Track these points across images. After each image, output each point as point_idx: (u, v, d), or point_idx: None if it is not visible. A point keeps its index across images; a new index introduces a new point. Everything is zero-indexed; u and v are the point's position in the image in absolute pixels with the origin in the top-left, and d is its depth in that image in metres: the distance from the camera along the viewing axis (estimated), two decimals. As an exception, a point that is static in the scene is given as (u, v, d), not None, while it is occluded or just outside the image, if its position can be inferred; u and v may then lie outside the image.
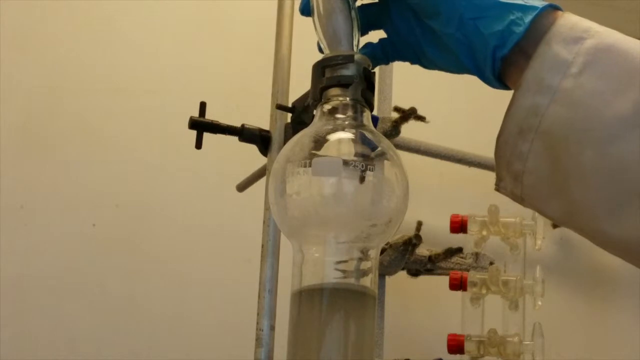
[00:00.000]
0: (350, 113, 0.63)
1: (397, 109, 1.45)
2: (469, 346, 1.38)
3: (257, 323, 1.14)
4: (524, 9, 0.60)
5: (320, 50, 0.67)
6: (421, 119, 1.44)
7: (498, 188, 0.62)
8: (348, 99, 0.63)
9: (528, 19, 0.60)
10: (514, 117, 0.59)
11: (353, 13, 0.65)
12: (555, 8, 0.61)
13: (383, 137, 0.63)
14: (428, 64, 0.68)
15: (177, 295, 1.59)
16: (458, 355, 1.40)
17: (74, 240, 1.55)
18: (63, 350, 1.49)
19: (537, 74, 0.58)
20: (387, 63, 0.71)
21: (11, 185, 1.54)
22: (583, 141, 0.56)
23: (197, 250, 1.63)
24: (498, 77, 0.62)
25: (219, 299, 1.61)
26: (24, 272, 1.51)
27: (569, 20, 0.60)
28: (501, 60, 0.60)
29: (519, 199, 0.61)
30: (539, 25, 0.60)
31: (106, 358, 1.52)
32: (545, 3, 0.61)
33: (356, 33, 0.66)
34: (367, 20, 0.68)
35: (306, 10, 0.67)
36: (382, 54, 0.70)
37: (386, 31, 0.69)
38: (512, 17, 0.60)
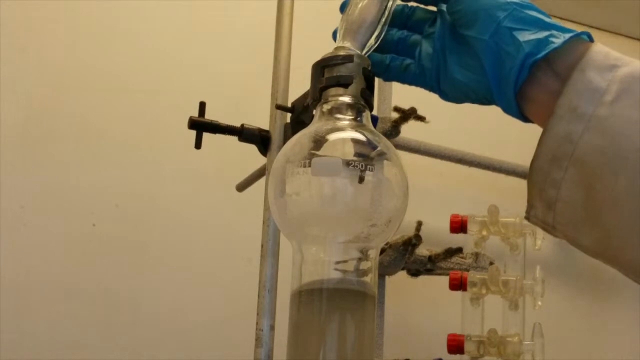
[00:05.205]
0: (349, 113, 0.63)
1: (397, 109, 1.45)
2: (469, 346, 1.38)
3: (257, 323, 1.14)
4: (563, 30, 0.61)
5: (335, 38, 0.67)
6: (421, 119, 1.44)
7: (528, 217, 0.61)
8: (347, 98, 0.63)
9: (567, 36, 0.60)
10: (547, 144, 0.59)
11: (387, 7, 0.66)
12: (589, 38, 0.61)
13: (383, 137, 0.63)
14: (445, 85, 0.66)
15: (177, 294, 1.59)
16: (458, 355, 1.40)
17: (74, 240, 1.55)
18: (63, 351, 1.49)
19: (571, 101, 0.58)
20: (402, 80, 0.69)
21: (11, 185, 1.54)
22: (617, 170, 0.56)
23: (197, 250, 1.63)
24: (516, 96, 0.61)
25: (219, 299, 1.61)
26: (24, 272, 1.51)
27: (602, 49, 0.60)
28: (530, 68, 0.60)
29: (551, 228, 0.60)
30: (573, 50, 0.60)
31: (106, 358, 1.52)
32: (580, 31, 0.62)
33: (380, 26, 0.65)
34: (406, 19, 0.69)
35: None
36: (400, 65, 0.68)
37: (418, 33, 0.69)
38: (550, 32, 0.60)
